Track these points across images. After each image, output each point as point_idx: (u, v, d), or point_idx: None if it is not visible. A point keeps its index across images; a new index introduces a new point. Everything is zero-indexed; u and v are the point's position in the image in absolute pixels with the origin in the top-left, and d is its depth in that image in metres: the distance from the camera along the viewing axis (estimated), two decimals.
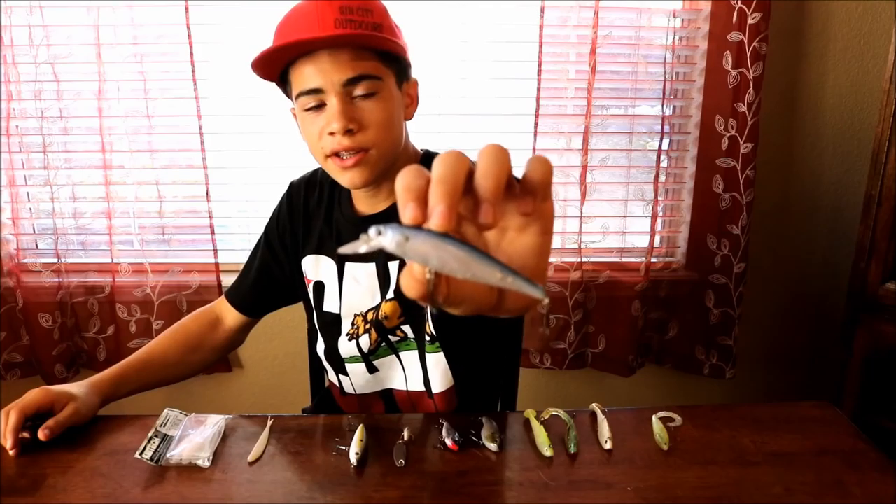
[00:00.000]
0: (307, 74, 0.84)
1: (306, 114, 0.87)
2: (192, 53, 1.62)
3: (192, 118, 1.67)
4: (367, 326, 1.00)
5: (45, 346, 1.79)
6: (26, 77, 1.67)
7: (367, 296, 0.99)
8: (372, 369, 1.03)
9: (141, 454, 0.84)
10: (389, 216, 0.95)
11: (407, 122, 0.95)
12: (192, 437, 0.88)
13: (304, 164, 1.10)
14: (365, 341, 1.00)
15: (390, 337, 1.00)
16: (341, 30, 0.80)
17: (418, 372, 1.01)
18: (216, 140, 1.74)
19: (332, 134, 0.85)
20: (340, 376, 1.07)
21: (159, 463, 0.84)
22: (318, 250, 1.04)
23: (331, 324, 1.04)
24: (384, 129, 0.86)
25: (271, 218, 1.12)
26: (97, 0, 1.61)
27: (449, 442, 0.87)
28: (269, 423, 0.93)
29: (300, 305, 1.15)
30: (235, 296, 1.14)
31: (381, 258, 0.97)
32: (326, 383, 1.19)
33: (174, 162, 1.76)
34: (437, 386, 0.99)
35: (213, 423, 0.92)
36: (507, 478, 0.83)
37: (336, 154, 0.87)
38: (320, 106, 0.85)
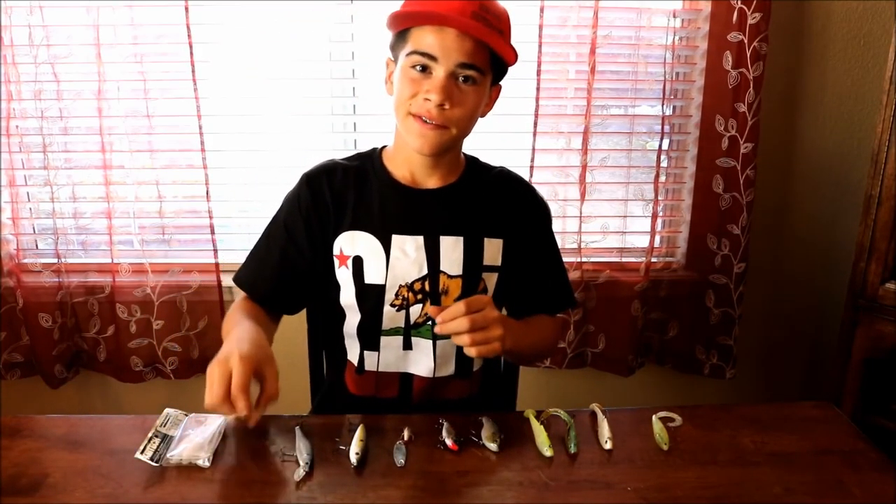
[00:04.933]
0: (430, 41, 0.91)
1: (411, 70, 0.93)
2: (192, 53, 1.62)
3: (192, 118, 1.67)
4: (419, 297, 1.02)
5: (45, 346, 1.79)
6: (26, 77, 1.67)
7: (415, 267, 1.02)
8: (407, 345, 1.05)
9: (141, 454, 0.84)
10: (440, 195, 1.03)
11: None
12: (192, 437, 0.88)
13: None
14: (415, 311, 1.03)
15: None
16: (477, 22, 0.89)
17: (451, 357, 1.06)
18: (216, 140, 1.74)
19: (427, 100, 0.91)
20: (366, 352, 1.07)
21: (159, 463, 0.84)
22: (354, 226, 1.03)
23: (373, 295, 1.03)
24: (468, 115, 0.95)
25: (290, 210, 1.06)
26: (97, 0, 1.61)
27: (449, 442, 0.88)
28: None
29: None
30: (254, 291, 1.07)
31: (429, 231, 1.01)
32: (345, 366, 1.13)
33: (174, 162, 1.76)
34: (476, 364, 1.10)
35: (213, 423, 0.92)
36: (507, 478, 0.83)
37: (420, 116, 0.93)
38: (426, 69, 0.92)
